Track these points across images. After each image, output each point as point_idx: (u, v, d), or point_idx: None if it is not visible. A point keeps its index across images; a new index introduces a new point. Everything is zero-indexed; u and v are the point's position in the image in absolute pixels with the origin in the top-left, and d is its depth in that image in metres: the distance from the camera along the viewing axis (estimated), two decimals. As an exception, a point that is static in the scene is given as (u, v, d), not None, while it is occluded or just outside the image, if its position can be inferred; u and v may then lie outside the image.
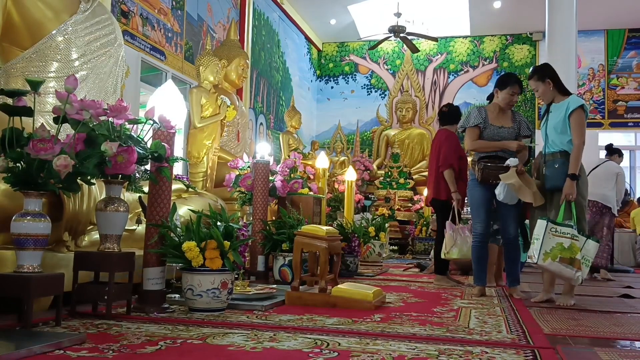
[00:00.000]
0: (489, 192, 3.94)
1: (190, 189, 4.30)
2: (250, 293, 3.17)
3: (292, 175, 5.19)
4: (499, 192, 3.83)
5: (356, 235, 5.36)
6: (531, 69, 3.94)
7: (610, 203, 6.09)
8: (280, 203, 4.97)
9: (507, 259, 4.05)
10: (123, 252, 2.66)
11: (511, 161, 3.80)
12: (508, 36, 12.71)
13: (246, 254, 3.18)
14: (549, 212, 3.68)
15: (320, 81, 13.62)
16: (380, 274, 5.55)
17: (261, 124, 10.40)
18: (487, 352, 2.08)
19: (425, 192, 9.20)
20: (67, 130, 2.56)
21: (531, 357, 2.04)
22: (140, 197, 3.17)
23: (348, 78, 13.49)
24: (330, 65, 13.63)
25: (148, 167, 2.85)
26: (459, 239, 4.58)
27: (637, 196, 10.43)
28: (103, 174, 2.56)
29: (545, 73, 3.82)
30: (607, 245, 6.16)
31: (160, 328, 2.35)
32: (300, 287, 3.33)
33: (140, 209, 3.33)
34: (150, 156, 2.72)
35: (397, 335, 2.36)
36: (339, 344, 2.12)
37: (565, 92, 3.82)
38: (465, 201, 5.24)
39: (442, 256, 4.70)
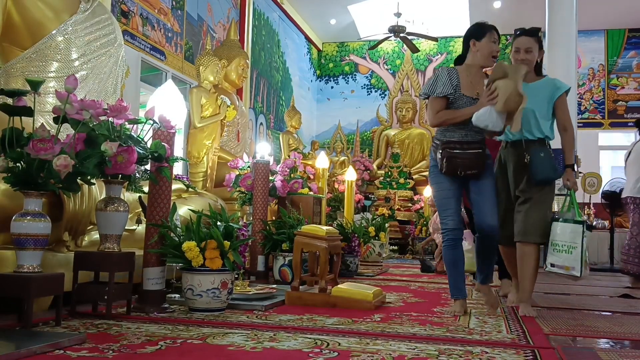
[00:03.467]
0: (459, 180, 3.11)
1: (190, 189, 4.30)
2: (250, 293, 3.17)
3: (292, 175, 5.19)
4: (483, 113, 2.91)
5: (356, 235, 5.36)
6: (527, 28, 3.31)
7: None
8: (280, 203, 4.97)
9: (481, 253, 3.24)
10: (123, 252, 2.66)
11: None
12: (508, 36, 12.70)
13: (246, 254, 3.18)
14: (519, 209, 3.22)
15: (320, 81, 13.62)
16: (380, 274, 5.55)
17: (261, 124, 10.40)
18: (487, 352, 2.08)
19: (425, 191, 9.21)
20: (67, 130, 2.56)
21: (531, 357, 2.04)
22: (140, 197, 3.17)
23: (348, 78, 13.49)
24: (330, 65, 13.63)
25: (148, 167, 2.85)
26: None
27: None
28: (103, 174, 2.56)
29: (541, 41, 3.31)
30: None
31: (160, 328, 2.35)
32: (300, 287, 3.33)
33: (140, 209, 3.33)
34: (150, 156, 2.72)
35: (397, 335, 2.36)
36: (339, 344, 2.12)
37: (540, 72, 3.34)
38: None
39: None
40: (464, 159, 3.00)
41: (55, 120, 2.42)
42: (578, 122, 8.94)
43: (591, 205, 9.08)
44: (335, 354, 1.97)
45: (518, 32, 3.33)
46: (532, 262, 3.17)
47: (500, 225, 3.19)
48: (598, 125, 11.93)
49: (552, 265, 3.09)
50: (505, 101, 2.84)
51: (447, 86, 3.05)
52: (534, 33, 3.27)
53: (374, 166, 11.84)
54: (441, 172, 3.06)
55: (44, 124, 2.37)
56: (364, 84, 13.41)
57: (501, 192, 3.31)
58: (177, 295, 3.12)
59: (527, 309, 3.12)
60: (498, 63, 2.94)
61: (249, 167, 4.99)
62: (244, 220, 4.61)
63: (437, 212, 5.76)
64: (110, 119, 2.57)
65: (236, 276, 3.19)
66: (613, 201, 8.34)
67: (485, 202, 3.11)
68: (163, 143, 2.76)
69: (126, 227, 2.90)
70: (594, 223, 9.36)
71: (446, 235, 3.11)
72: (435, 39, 11.58)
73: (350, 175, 6.77)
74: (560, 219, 3.12)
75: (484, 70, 3.16)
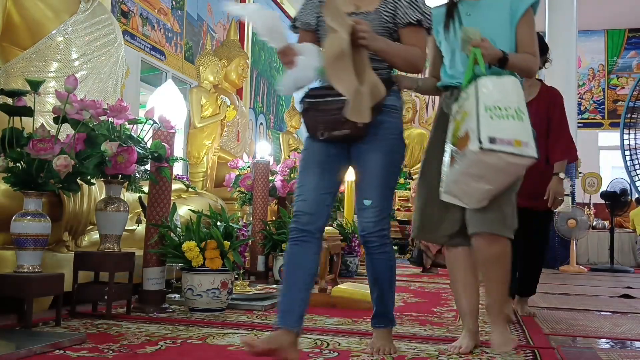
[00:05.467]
0: (335, 148, 1.99)
1: (190, 189, 4.30)
2: (250, 293, 3.17)
3: (292, 175, 5.19)
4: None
5: (356, 235, 5.36)
6: None
7: None
8: (280, 203, 4.98)
9: (372, 275, 2.15)
10: (123, 252, 2.66)
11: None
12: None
13: (246, 254, 3.19)
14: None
15: (320, 81, 13.61)
16: (380, 274, 5.54)
17: (261, 124, 10.40)
18: (487, 352, 2.08)
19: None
20: (67, 130, 2.56)
21: (531, 357, 2.04)
22: (140, 197, 3.17)
23: (348, 78, 13.50)
24: (330, 65, 13.63)
25: (148, 167, 2.85)
26: None
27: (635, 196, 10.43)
28: (103, 174, 2.57)
29: None
30: None
31: (160, 328, 2.35)
32: (300, 287, 3.33)
33: (140, 209, 3.33)
34: (150, 156, 2.73)
35: (397, 335, 2.36)
36: (339, 344, 2.12)
37: None
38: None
39: None
40: (325, 110, 1.92)
41: (55, 120, 2.42)
42: (578, 122, 8.94)
43: (591, 205, 9.08)
44: (335, 354, 1.97)
45: None
46: (505, 268, 2.07)
47: (430, 213, 2.18)
48: (598, 125, 11.93)
49: (492, 140, 1.81)
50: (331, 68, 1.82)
51: (301, 10, 2.10)
52: None
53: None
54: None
55: (44, 124, 2.38)
56: (364, 84, 13.40)
57: (434, 161, 2.15)
58: (177, 295, 3.12)
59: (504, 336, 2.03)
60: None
61: (249, 167, 4.99)
62: (244, 220, 4.62)
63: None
64: (110, 119, 2.58)
65: (236, 276, 3.19)
66: (613, 201, 8.34)
67: (365, 188, 2.00)
68: (163, 143, 2.77)
69: (126, 227, 2.91)
70: (594, 223, 9.36)
71: (292, 222, 1.97)
72: (435, 39, 11.57)
73: (350, 175, 6.77)
74: (480, 74, 1.95)
75: None
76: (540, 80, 3.13)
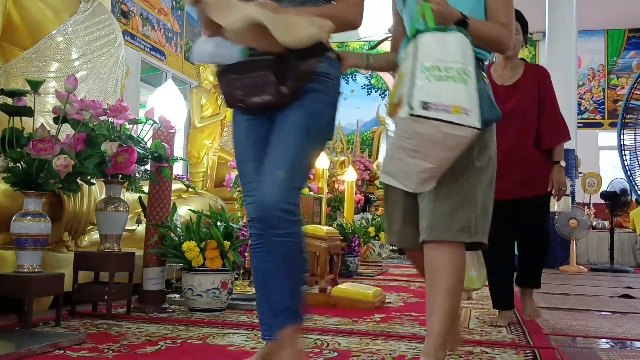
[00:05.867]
0: (262, 122, 1.69)
1: (190, 189, 4.30)
2: (250, 293, 3.17)
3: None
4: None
5: (356, 235, 5.36)
6: None
7: None
8: (280, 203, 4.97)
9: (278, 265, 1.63)
10: (123, 252, 2.66)
11: None
12: (508, 36, 12.70)
13: (246, 254, 3.19)
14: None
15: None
16: (380, 274, 5.55)
17: (261, 124, 10.41)
18: (487, 352, 2.08)
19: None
20: (67, 130, 2.56)
21: (531, 357, 2.04)
22: (140, 197, 3.18)
23: (348, 78, 13.49)
24: (330, 65, 13.63)
25: (148, 167, 2.85)
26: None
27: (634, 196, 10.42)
28: (103, 174, 2.57)
29: None
30: None
31: (160, 328, 2.35)
32: (300, 287, 3.33)
33: (140, 209, 3.33)
34: (150, 156, 2.73)
35: (397, 335, 2.36)
36: (339, 344, 2.12)
37: None
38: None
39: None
40: (244, 72, 1.59)
41: (55, 120, 2.42)
42: (578, 122, 8.93)
43: (591, 205, 9.09)
44: (335, 354, 1.97)
45: None
46: (450, 279, 1.65)
47: (397, 211, 1.80)
48: (598, 125, 11.93)
49: (426, 105, 1.48)
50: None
51: None
52: None
53: (374, 166, 11.85)
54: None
55: (44, 124, 2.38)
56: (364, 84, 13.41)
57: None
58: (177, 295, 3.13)
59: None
60: None
61: (249, 167, 4.99)
62: (244, 220, 4.61)
63: None
64: (110, 119, 2.58)
65: (236, 276, 3.19)
66: (613, 201, 8.33)
67: (275, 149, 1.62)
68: (163, 143, 2.77)
69: (126, 227, 2.91)
70: (594, 223, 9.36)
71: (250, 227, 1.75)
72: (435, 39, 11.56)
73: (350, 175, 6.77)
74: (424, 30, 1.61)
75: None
76: (524, 60, 3.00)
